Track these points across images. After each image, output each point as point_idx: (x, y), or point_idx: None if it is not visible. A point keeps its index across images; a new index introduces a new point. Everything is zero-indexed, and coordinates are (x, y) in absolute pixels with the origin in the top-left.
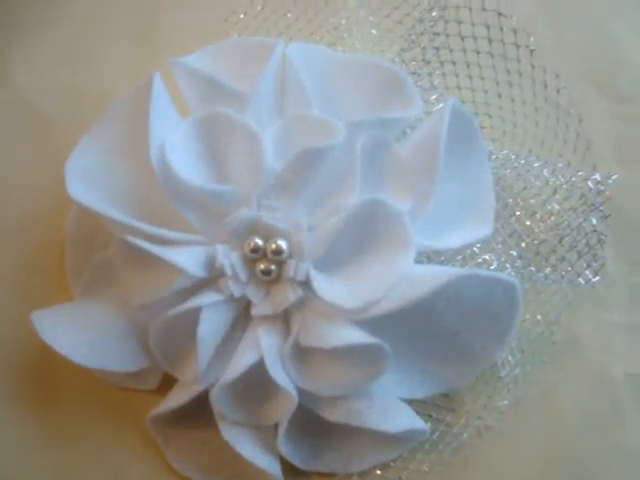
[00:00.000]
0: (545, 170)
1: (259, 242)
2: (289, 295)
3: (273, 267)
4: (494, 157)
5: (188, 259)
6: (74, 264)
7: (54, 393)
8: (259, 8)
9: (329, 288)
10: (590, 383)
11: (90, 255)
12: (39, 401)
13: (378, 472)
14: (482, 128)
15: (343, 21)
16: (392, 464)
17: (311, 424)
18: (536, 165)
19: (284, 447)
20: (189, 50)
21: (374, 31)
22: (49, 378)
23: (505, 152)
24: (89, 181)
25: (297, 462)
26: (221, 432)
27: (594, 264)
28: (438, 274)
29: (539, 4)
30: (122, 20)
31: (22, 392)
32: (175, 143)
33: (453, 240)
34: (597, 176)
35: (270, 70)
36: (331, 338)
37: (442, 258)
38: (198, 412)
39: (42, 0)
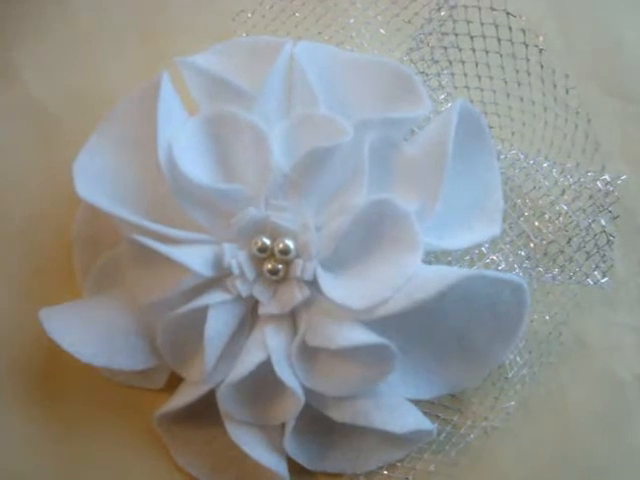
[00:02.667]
0: (554, 170)
1: (266, 241)
2: (296, 295)
3: (280, 266)
4: (503, 157)
5: (195, 258)
6: (82, 262)
7: (61, 391)
8: (267, 7)
9: (336, 288)
10: (598, 384)
11: (98, 253)
12: (46, 399)
13: (385, 472)
14: (491, 128)
15: (351, 20)
16: (399, 464)
17: (318, 424)
18: (545, 165)
19: (290, 447)
20: (197, 49)
21: (382, 30)
22: (56, 376)
23: (514, 152)
24: (97, 180)
25: (303, 462)
26: (227, 431)
27: (602, 265)
28: (446, 275)
29: (548, 6)
30: (130, 19)
31: (30, 390)
32: (182, 142)
33: (461, 240)
34: (606, 177)
35: (277, 69)
36: (338, 338)
37: (450, 258)
38: (205, 411)
39: (50, 1)
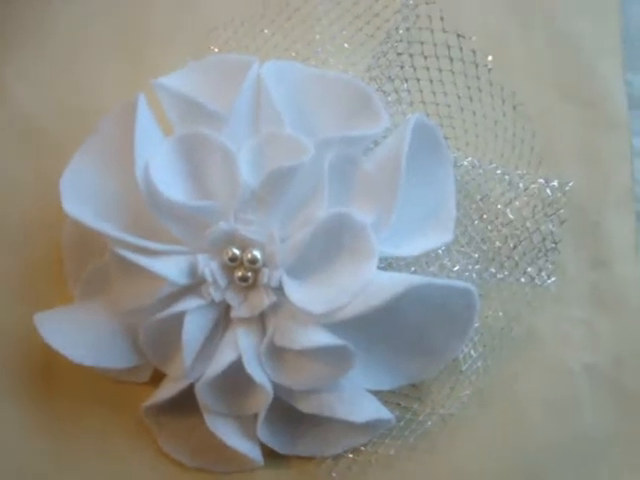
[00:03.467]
0: (506, 177)
1: (236, 252)
2: (264, 300)
3: (249, 274)
4: (459, 164)
5: (172, 268)
6: (72, 269)
7: (55, 386)
8: (239, 24)
9: (299, 294)
10: (548, 374)
11: (86, 260)
12: (41, 394)
13: (350, 455)
14: (447, 139)
15: (317, 36)
16: (363, 448)
17: (288, 414)
18: (498, 172)
19: (263, 434)
20: (175, 63)
21: (347, 45)
22: (50, 373)
23: (470, 159)
24: (82, 196)
25: (276, 447)
26: (206, 422)
27: (549, 267)
28: (398, 282)
29: (508, 14)
30: (114, 35)
31: (25, 386)
32: (158, 162)
33: (414, 247)
34: (555, 183)
35: (245, 90)
36: (301, 340)
37: (407, 261)
38: (187, 402)
39: (36, 17)
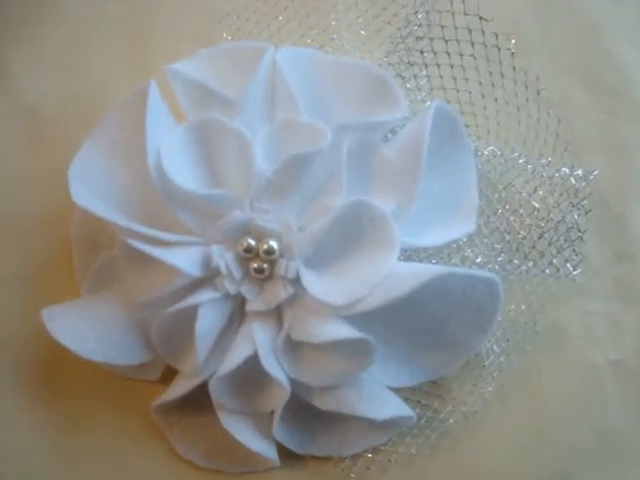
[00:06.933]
0: (529, 166)
1: (252, 242)
2: (281, 292)
3: (265, 266)
4: (479, 154)
5: (185, 259)
6: (80, 262)
7: (63, 384)
8: (251, 11)
9: (318, 285)
10: (572, 370)
11: (95, 253)
12: (49, 391)
13: (369, 455)
14: (467, 127)
15: (333, 23)
16: (382, 448)
17: (305, 411)
18: (520, 162)
19: (279, 433)
20: (185, 52)
21: (363, 32)
22: (58, 369)
23: (491, 148)
24: (91, 185)
25: (292, 446)
26: (220, 420)
27: (574, 258)
28: (420, 273)
29: (527, 2)
30: (120, 23)
31: (33, 383)
32: (170, 149)
33: (436, 237)
34: (579, 172)
35: (260, 76)
36: (320, 333)
37: (428, 252)
38: (199, 400)
39: (41, 5)
